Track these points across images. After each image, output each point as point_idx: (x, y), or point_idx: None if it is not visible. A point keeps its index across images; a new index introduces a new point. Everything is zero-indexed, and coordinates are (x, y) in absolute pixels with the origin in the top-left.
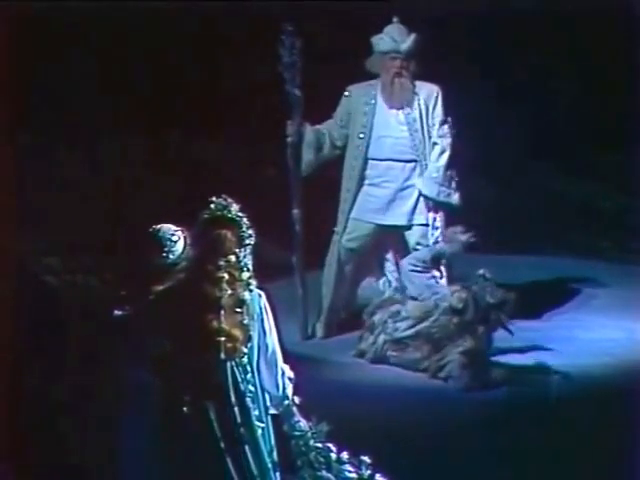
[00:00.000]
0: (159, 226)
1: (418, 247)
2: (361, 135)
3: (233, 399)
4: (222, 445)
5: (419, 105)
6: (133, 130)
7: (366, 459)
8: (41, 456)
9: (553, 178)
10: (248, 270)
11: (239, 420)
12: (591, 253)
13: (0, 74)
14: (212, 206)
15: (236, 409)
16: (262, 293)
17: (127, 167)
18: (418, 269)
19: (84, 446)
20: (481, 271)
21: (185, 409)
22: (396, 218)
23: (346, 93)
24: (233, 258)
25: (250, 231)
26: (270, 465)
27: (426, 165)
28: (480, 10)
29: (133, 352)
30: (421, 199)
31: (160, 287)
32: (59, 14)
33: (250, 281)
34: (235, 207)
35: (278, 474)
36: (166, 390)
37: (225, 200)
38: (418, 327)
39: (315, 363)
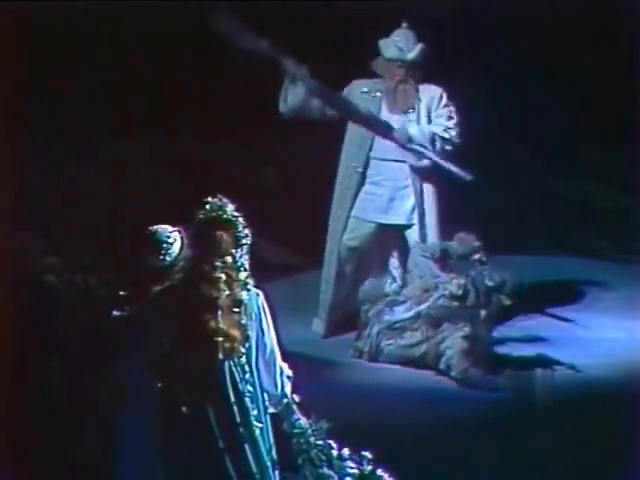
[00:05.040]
0: (155, 228)
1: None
2: (366, 135)
3: (232, 399)
4: (221, 445)
5: (419, 109)
6: (133, 130)
7: (367, 454)
8: (41, 456)
9: (553, 178)
10: (245, 270)
11: (238, 420)
12: (591, 253)
13: (0, 74)
14: (207, 207)
15: (235, 409)
16: (260, 292)
17: (127, 167)
18: (426, 255)
19: (84, 446)
20: (477, 255)
21: (184, 409)
22: (397, 217)
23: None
24: (229, 259)
25: (246, 231)
26: (269, 464)
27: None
28: (480, 10)
29: (132, 352)
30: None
31: (158, 288)
32: (59, 14)
33: (247, 281)
34: (230, 207)
35: (277, 472)
36: (165, 390)
37: (220, 200)
38: (418, 308)
39: (314, 362)
